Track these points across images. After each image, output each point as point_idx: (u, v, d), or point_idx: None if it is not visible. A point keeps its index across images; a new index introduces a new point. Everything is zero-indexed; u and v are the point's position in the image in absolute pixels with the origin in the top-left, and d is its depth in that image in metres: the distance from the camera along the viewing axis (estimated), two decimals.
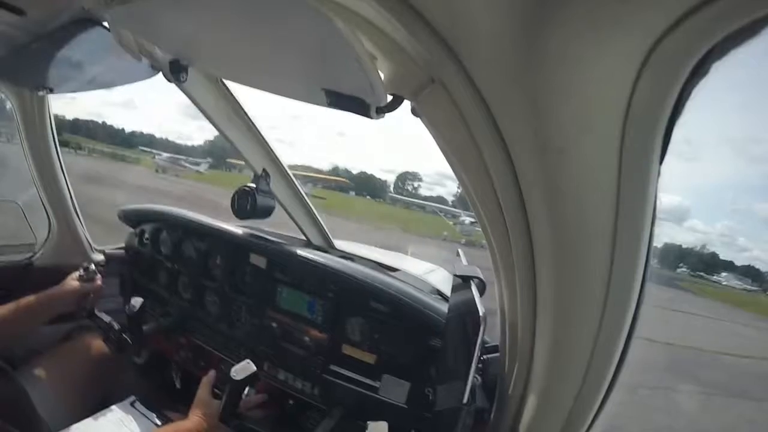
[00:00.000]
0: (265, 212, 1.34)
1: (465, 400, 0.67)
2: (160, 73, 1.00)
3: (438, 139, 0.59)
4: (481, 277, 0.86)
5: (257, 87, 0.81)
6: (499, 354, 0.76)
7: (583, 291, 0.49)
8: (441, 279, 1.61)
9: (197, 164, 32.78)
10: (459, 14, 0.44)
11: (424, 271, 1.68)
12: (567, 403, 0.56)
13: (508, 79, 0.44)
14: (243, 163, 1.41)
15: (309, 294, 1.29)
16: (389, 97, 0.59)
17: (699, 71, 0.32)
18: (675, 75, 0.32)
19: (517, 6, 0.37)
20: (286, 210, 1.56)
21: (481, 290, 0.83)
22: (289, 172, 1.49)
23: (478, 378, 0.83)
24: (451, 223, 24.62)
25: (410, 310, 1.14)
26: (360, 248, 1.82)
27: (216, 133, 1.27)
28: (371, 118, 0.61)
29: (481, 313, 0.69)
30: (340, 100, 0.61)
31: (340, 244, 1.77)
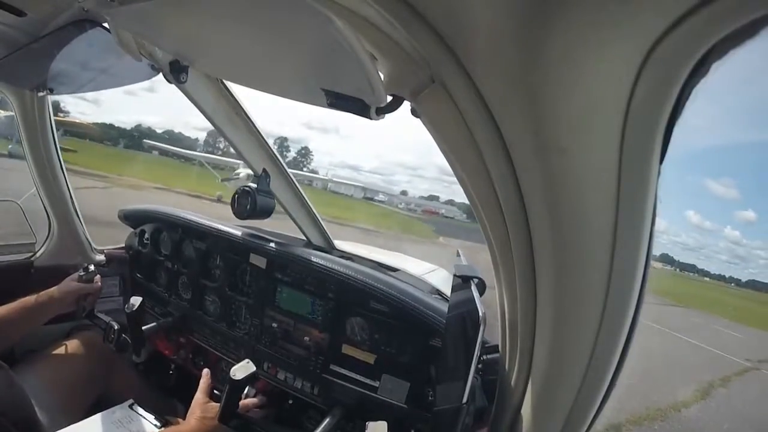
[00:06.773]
0: (265, 212, 1.34)
1: (465, 400, 0.67)
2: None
3: (438, 139, 0.59)
4: (482, 276, 0.86)
5: (257, 88, 0.81)
6: (499, 354, 0.76)
7: (583, 291, 0.49)
8: (441, 279, 1.62)
9: None
10: (459, 14, 0.44)
11: (424, 271, 1.68)
12: (567, 403, 0.56)
13: (508, 79, 0.44)
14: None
15: (309, 294, 1.29)
16: (389, 98, 0.59)
17: (699, 71, 0.32)
18: (675, 75, 0.32)
19: (517, 6, 0.37)
20: (286, 210, 1.56)
21: (481, 290, 0.83)
22: (289, 172, 1.49)
23: (478, 378, 0.82)
24: (219, 180, 19.10)
25: (410, 310, 1.14)
26: (360, 248, 1.82)
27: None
28: (371, 118, 0.61)
29: (481, 313, 0.69)
30: (340, 101, 0.61)
31: (340, 244, 1.78)
